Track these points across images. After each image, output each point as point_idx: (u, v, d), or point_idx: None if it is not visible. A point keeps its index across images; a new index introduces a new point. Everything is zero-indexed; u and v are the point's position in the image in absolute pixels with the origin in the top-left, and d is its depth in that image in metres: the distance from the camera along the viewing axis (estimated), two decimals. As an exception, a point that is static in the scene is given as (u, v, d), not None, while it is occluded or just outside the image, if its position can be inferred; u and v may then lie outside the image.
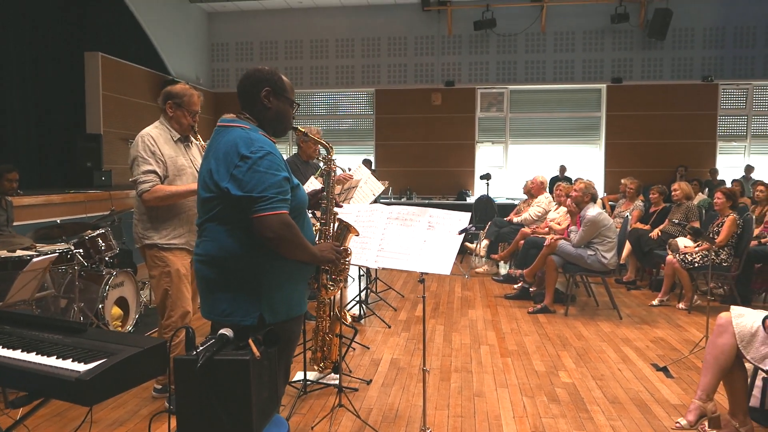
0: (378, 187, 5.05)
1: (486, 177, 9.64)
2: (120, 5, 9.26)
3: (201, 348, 1.69)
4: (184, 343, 1.99)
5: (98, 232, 4.56)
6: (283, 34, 11.91)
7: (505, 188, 11.29)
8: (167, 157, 3.06)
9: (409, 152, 11.62)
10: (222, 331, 1.84)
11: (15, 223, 4.86)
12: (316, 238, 2.31)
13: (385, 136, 11.74)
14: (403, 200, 11.15)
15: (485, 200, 9.57)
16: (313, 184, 4.27)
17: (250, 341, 1.76)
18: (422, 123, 11.56)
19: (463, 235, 2.60)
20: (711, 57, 10.85)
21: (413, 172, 11.60)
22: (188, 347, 1.75)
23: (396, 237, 2.64)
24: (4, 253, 3.95)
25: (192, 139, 3.30)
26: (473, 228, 2.33)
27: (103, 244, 4.56)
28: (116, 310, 4.47)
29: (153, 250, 3.07)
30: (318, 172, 4.71)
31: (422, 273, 2.60)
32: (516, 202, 9.09)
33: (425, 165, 11.57)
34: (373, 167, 11.33)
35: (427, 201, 11.06)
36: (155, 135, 3.08)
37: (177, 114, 3.14)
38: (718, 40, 10.83)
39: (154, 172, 2.99)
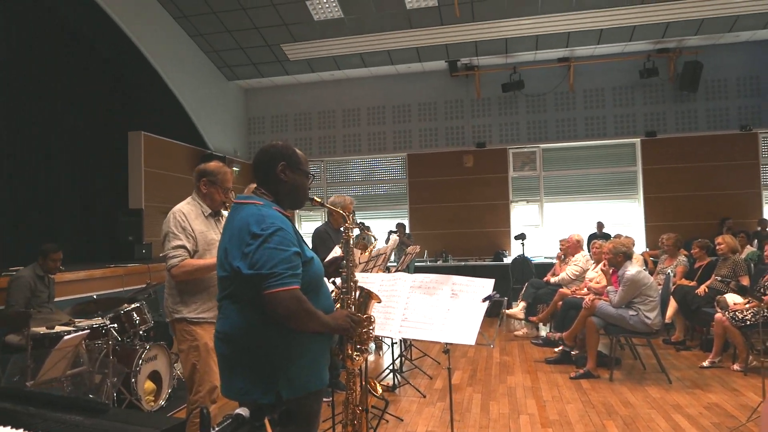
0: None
1: (521, 237, 9.50)
2: (162, 86, 9.81)
3: (216, 430, 1.66)
4: (201, 423, 1.95)
5: (133, 306, 4.64)
6: (316, 105, 12.34)
7: (542, 247, 11.09)
8: (198, 232, 3.13)
9: (443, 215, 11.61)
10: (238, 410, 1.80)
11: (56, 299, 5.01)
12: (337, 306, 2.29)
13: (418, 199, 11.81)
14: (438, 263, 11.05)
15: (521, 261, 9.41)
16: (336, 252, 4.26)
17: (266, 421, 1.72)
18: (455, 185, 11.60)
19: (488, 302, 2.52)
20: (747, 106, 10.67)
21: (448, 235, 11.55)
22: (203, 429, 1.72)
23: (419, 306, 2.59)
24: (42, 330, 4.05)
25: (223, 213, 3.37)
26: (497, 295, 2.26)
27: (138, 318, 4.63)
28: (149, 385, 4.47)
29: (182, 324, 3.09)
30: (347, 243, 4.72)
31: (446, 343, 2.53)
32: (554, 261, 8.90)
33: (460, 227, 11.52)
34: (407, 231, 11.35)
35: (463, 263, 10.94)
36: (186, 211, 3.17)
37: (210, 191, 3.23)
38: (753, 89, 10.68)
39: (184, 247, 3.05)
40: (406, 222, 11.63)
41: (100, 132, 9.11)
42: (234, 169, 11.73)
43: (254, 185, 2.19)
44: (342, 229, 2.59)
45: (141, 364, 4.32)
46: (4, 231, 7.20)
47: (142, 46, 9.10)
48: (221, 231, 3.29)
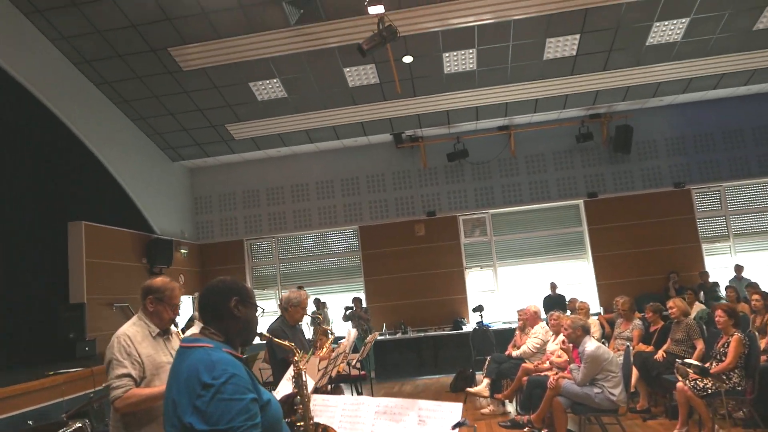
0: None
1: (478, 309, 9.47)
2: (102, 172, 9.51)
3: None
4: None
5: (75, 427, 4.25)
6: (264, 181, 12.25)
7: (499, 313, 11.10)
8: (144, 356, 2.90)
9: (399, 285, 11.52)
10: None
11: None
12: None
13: (373, 271, 11.70)
14: (398, 335, 10.88)
15: (481, 332, 9.35)
16: (284, 387, 3.94)
17: None
18: (409, 255, 11.59)
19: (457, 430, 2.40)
20: (678, 164, 11.26)
21: (405, 305, 11.42)
22: None
23: (387, 434, 2.44)
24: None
25: (172, 330, 3.16)
26: (466, 421, 2.13)
27: (79, 440, 4.23)
28: None
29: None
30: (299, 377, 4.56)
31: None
32: (513, 326, 8.88)
33: (416, 296, 11.43)
34: (363, 305, 11.17)
35: (422, 334, 10.80)
36: (132, 333, 2.95)
37: (158, 308, 3.03)
38: (681, 148, 11.30)
39: (129, 375, 2.82)
40: (362, 295, 11.45)
41: (37, 223, 8.69)
42: (182, 251, 11.39)
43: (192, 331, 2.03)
44: (292, 362, 2.44)
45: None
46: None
47: (79, 131, 8.82)
48: (172, 350, 3.10)
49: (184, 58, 8.87)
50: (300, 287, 10.95)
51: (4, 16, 7.49)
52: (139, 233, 10.33)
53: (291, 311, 4.90)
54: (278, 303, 8.94)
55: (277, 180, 12.20)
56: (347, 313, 10.49)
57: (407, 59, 9.11)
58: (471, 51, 9.14)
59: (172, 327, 3.19)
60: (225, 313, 1.99)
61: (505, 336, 9.07)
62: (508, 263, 11.69)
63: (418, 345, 10.87)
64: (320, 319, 5.49)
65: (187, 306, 11.65)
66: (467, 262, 11.66)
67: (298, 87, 9.73)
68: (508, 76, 9.78)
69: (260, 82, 9.54)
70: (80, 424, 4.33)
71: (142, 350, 2.92)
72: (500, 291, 11.52)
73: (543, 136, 11.50)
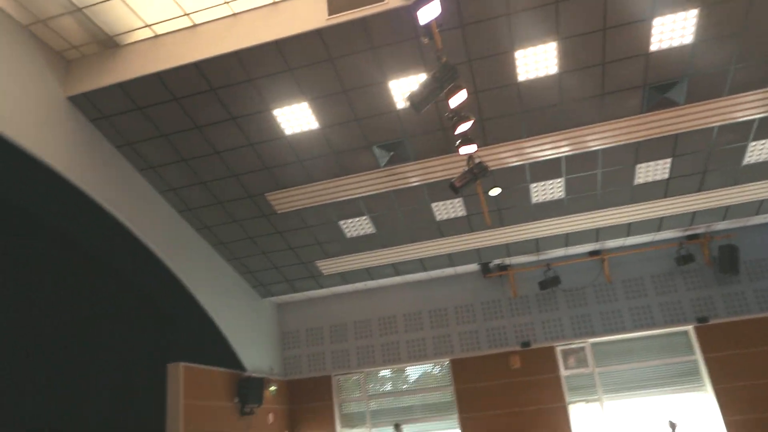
0: None
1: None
2: (199, 312, 9.77)
3: None
4: None
5: None
6: (351, 314, 12.20)
7: (612, 455, 10.01)
8: None
9: (497, 423, 10.72)
10: None
11: None
12: None
13: (468, 407, 11.03)
14: (498, 482, 9.93)
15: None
16: None
17: None
18: (505, 389, 10.90)
19: None
20: (796, 283, 10.33)
21: (505, 447, 10.55)
22: None
23: None
24: None
25: None
26: None
27: None
28: None
29: None
30: None
31: None
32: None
33: (516, 436, 10.56)
34: (459, 445, 10.40)
35: (526, 481, 9.82)
36: None
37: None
38: (797, 266, 10.43)
39: None
40: (456, 434, 10.72)
41: (137, 366, 8.86)
42: (271, 389, 11.25)
43: None
44: None
45: None
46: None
47: (181, 274, 9.22)
48: None
49: (279, 201, 9.31)
50: (397, 425, 10.42)
51: (120, 173, 8.19)
52: (232, 372, 10.35)
53: None
54: None
55: (364, 313, 12.13)
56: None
57: (495, 192, 9.16)
58: (559, 180, 9.10)
59: None
60: None
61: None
62: (616, 396, 10.71)
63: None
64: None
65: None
66: (569, 395, 10.79)
67: (386, 223, 9.91)
68: (598, 201, 9.59)
69: (350, 220, 9.80)
70: None
71: None
72: (610, 428, 10.46)
73: (639, 260, 10.98)
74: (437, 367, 11.64)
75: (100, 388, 7.92)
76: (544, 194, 9.38)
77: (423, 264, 11.11)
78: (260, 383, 10.64)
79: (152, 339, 9.38)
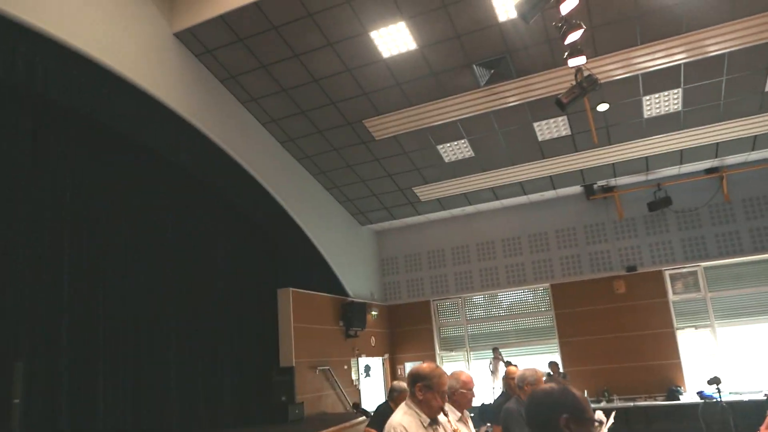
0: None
1: (715, 381, 8.20)
2: (305, 240, 10.13)
3: None
4: None
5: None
6: (449, 241, 12.22)
7: (725, 382, 9.61)
8: (420, 448, 2.78)
9: (598, 347, 10.58)
10: None
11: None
12: None
13: (568, 332, 10.93)
14: (602, 404, 9.89)
15: (720, 408, 8.09)
16: None
17: None
18: (608, 314, 10.66)
19: None
20: None
21: (608, 370, 10.42)
22: None
23: None
24: None
25: (440, 420, 3.01)
26: None
27: None
28: None
29: None
30: None
31: None
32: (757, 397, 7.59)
33: (620, 361, 10.38)
34: (561, 369, 10.39)
35: (632, 404, 9.71)
36: (407, 423, 2.84)
37: (427, 396, 2.91)
38: None
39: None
40: (557, 358, 10.69)
41: (249, 292, 9.34)
42: (372, 313, 11.63)
43: None
44: None
45: None
46: (172, 402, 7.31)
47: (285, 203, 9.54)
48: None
49: (377, 127, 9.26)
50: (495, 349, 10.55)
51: (226, 107, 8.43)
52: (336, 297, 10.76)
53: (527, 390, 4.60)
54: (502, 379, 8.67)
55: (462, 239, 12.11)
56: (544, 379, 9.79)
57: (602, 107, 8.62)
58: (675, 91, 8.39)
59: (441, 418, 3.04)
60: (553, 430, 1.78)
61: (744, 410, 7.79)
62: (728, 323, 10.20)
63: (625, 415, 9.75)
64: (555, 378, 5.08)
65: (376, 365, 11.80)
66: (678, 321, 10.39)
67: (485, 146, 9.65)
68: (720, 113, 8.79)
69: (448, 144, 9.62)
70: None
71: (419, 441, 2.79)
72: (722, 355, 10.04)
73: (763, 177, 10.09)
74: (536, 292, 11.52)
75: (217, 313, 8.46)
76: (658, 107, 8.71)
77: (523, 187, 10.82)
78: (363, 308, 11.03)
79: (262, 266, 9.86)
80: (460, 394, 4.17)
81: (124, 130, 6.96)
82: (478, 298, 11.97)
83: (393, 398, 5.86)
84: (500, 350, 10.56)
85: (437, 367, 3.02)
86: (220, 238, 8.94)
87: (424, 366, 3.02)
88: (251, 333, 9.11)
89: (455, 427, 2.95)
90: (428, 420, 2.92)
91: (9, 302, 5.54)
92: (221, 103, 8.34)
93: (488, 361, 10.52)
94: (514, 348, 11.42)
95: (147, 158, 7.59)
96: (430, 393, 2.92)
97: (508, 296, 11.77)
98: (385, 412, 5.87)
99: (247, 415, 8.71)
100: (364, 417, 7.77)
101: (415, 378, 2.97)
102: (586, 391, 10.17)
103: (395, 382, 5.77)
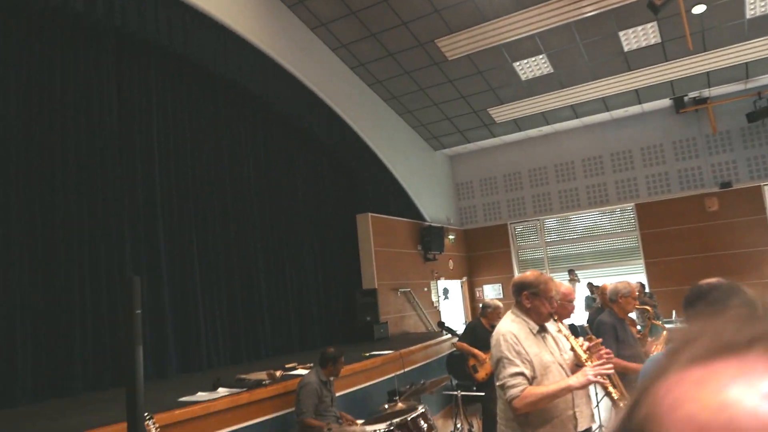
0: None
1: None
2: (380, 166, 10.16)
3: None
4: None
5: (419, 411, 4.45)
6: (525, 163, 11.92)
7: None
8: (533, 355, 2.78)
9: (687, 268, 10.21)
10: None
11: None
12: None
13: (654, 252, 10.59)
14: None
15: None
16: None
17: None
18: (698, 233, 10.21)
19: None
20: None
21: (697, 290, 10.07)
22: None
23: None
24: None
25: (548, 327, 3.00)
26: None
27: (425, 425, 4.41)
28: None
29: (527, 462, 2.73)
30: None
31: None
32: None
33: (711, 280, 9.98)
34: (647, 290, 10.15)
35: (723, 323, 9.41)
36: (516, 331, 2.85)
37: (535, 304, 2.89)
38: None
39: (522, 374, 2.72)
40: (642, 279, 10.44)
41: (331, 218, 9.56)
42: (449, 237, 11.67)
43: None
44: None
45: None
46: (265, 325, 7.73)
47: (362, 133, 9.55)
48: (551, 349, 2.94)
49: (450, 47, 8.94)
50: (571, 271, 10.42)
51: (296, 34, 8.35)
52: (414, 222, 10.84)
53: (621, 303, 4.51)
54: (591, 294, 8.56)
55: (539, 160, 11.77)
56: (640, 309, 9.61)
57: (698, 9, 7.90)
58: (785, -15, 7.55)
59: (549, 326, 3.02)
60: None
61: None
62: (833, 239, 9.56)
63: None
64: (650, 311, 4.99)
65: (455, 288, 11.96)
66: (776, 239, 9.83)
67: (565, 60, 9.15)
68: (837, 7, 7.87)
69: (524, 61, 9.19)
70: (422, 410, 4.51)
71: (529, 349, 2.80)
72: (826, 273, 9.48)
73: None
74: (620, 212, 11.14)
75: (301, 239, 8.73)
76: (763, 5, 7.89)
77: (605, 103, 10.27)
78: (440, 232, 11.08)
79: (342, 193, 10.02)
80: (560, 306, 4.18)
81: (204, 63, 7.04)
82: (556, 220, 11.73)
83: (485, 315, 5.98)
84: (577, 272, 10.42)
85: (542, 274, 2.98)
86: (300, 166, 9.11)
87: (528, 274, 2.98)
88: (334, 258, 9.41)
89: (567, 333, 2.92)
90: (537, 327, 2.91)
91: (114, 235, 5.90)
92: (291, 30, 8.29)
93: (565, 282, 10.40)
94: (593, 269, 11.23)
95: (227, 90, 7.72)
96: (537, 300, 2.90)
97: (589, 217, 11.44)
98: (476, 328, 6.04)
99: (334, 335, 9.12)
100: (449, 335, 7.94)
101: (520, 286, 2.95)
102: (674, 312, 9.93)
103: (487, 299, 5.83)
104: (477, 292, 12.28)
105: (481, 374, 5.89)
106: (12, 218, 5.06)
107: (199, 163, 7.17)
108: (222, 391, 4.80)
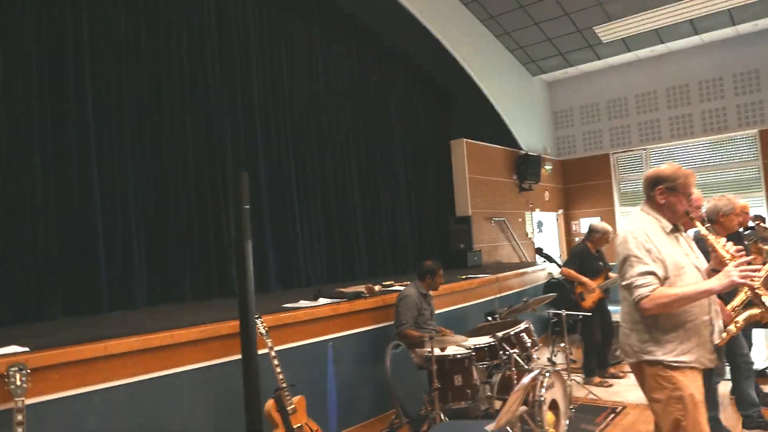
0: None
1: None
2: (476, 91, 9.74)
3: None
4: None
5: (522, 326, 4.33)
6: (631, 88, 11.03)
7: None
8: (665, 254, 2.53)
9: (818, 200, 9.23)
10: None
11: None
12: None
13: (778, 183, 9.62)
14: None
15: None
16: None
17: None
18: (834, 162, 9.13)
19: None
20: None
21: (828, 225, 9.10)
22: None
23: None
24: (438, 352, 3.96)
25: (680, 228, 2.72)
26: None
27: (529, 340, 4.30)
28: (550, 416, 4.09)
29: (656, 368, 2.52)
30: None
31: None
32: None
33: None
34: (766, 224, 9.29)
35: None
36: (648, 228, 2.59)
37: (671, 200, 2.61)
38: None
39: (653, 273, 2.49)
40: (763, 211, 9.55)
41: (424, 143, 9.34)
42: (546, 167, 11.19)
43: None
44: None
45: (543, 392, 3.95)
46: (361, 252, 7.80)
47: (458, 55, 9.14)
48: (686, 251, 2.67)
49: (556, -44, 8.22)
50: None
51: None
52: (509, 150, 10.44)
53: (723, 221, 4.16)
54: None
55: (648, 84, 10.84)
56: (746, 233, 8.86)
57: None
58: None
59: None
60: None
61: None
62: None
63: None
64: (759, 233, 4.52)
65: (549, 221, 11.56)
66: None
67: (688, -35, 8.18)
68: None
69: (640, -31, 8.31)
70: (526, 325, 4.39)
71: (661, 248, 2.55)
72: None
73: None
74: (739, 139, 10.13)
75: (395, 165, 8.62)
76: None
77: (732, 16, 9.17)
78: (537, 161, 10.61)
79: (435, 118, 9.75)
80: (726, 219, 3.95)
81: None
82: (665, 149, 10.86)
83: (592, 239, 5.72)
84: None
85: (681, 167, 2.67)
86: (393, 89, 8.89)
87: (665, 168, 2.69)
88: (427, 184, 9.23)
89: (720, 241, 2.55)
90: (670, 226, 2.64)
91: (216, 150, 6.04)
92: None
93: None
94: (705, 202, 10.36)
95: (322, 11, 7.58)
96: (674, 196, 2.61)
97: (702, 145, 10.49)
98: (582, 251, 5.78)
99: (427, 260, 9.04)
100: (547, 262, 7.70)
101: (655, 181, 2.67)
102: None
103: (594, 223, 5.56)
104: (573, 226, 11.78)
105: (588, 302, 5.66)
106: (126, 131, 5.27)
107: (296, 82, 7.14)
108: (323, 300, 4.89)
